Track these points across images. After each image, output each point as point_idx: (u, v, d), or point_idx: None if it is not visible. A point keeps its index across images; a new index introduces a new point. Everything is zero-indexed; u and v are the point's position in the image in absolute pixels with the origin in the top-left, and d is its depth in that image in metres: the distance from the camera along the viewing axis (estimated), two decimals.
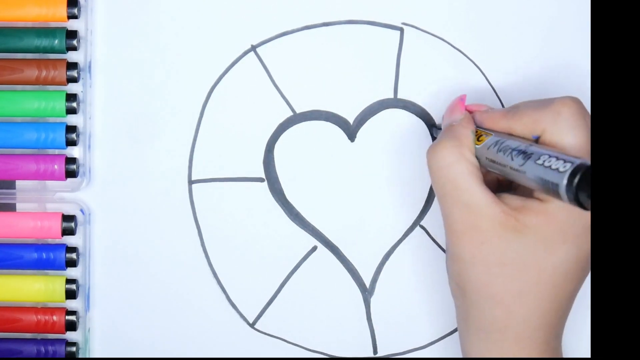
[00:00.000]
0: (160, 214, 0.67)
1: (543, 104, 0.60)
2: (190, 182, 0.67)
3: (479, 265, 0.59)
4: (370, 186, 0.67)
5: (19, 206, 0.67)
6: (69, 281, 0.66)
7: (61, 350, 0.66)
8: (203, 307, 0.67)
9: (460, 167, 0.59)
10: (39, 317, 0.66)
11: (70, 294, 0.66)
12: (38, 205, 0.67)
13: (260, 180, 0.67)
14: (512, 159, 0.58)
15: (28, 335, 0.67)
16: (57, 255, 0.66)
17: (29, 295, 0.66)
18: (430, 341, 0.68)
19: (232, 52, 0.67)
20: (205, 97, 0.67)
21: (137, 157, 0.67)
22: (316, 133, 0.67)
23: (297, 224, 0.67)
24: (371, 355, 0.68)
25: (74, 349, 0.66)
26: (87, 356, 0.67)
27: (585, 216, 0.58)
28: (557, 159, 0.56)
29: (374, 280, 0.68)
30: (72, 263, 0.66)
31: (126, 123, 0.67)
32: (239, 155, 0.67)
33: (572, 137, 0.59)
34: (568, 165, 0.55)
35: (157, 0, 0.67)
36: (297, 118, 0.67)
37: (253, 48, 0.67)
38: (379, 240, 0.67)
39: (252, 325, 0.68)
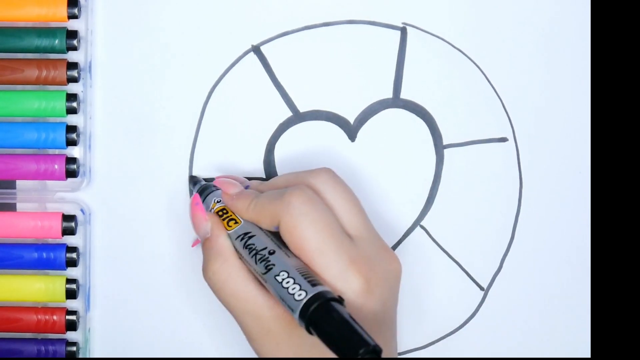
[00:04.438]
0: (160, 214, 0.67)
1: (279, 195, 0.59)
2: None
3: None
4: (370, 186, 0.67)
5: (19, 206, 0.67)
6: (69, 281, 0.66)
7: (61, 350, 0.66)
8: (203, 307, 0.67)
9: (233, 282, 0.59)
10: (39, 317, 0.66)
11: (71, 294, 0.66)
12: (38, 205, 0.67)
13: (261, 180, 0.67)
14: (256, 263, 0.58)
15: (28, 335, 0.67)
16: (57, 255, 0.66)
17: (29, 295, 0.66)
18: (430, 341, 0.68)
19: (233, 52, 0.67)
20: (206, 97, 0.67)
21: (137, 157, 0.67)
22: (317, 133, 0.67)
23: None
24: None
25: (74, 348, 0.66)
26: (87, 356, 0.67)
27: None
28: (295, 281, 0.55)
29: None
30: (72, 263, 0.66)
31: (126, 123, 0.67)
32: (239, 156, 0.67)
33: (306, 227, 0.58)
34: (303, 294, 0.54)
35: (157, 0, 0.67)
36: (297, 118, 0.67)
37: (253, 48, 0.67)
38: None
39: None
